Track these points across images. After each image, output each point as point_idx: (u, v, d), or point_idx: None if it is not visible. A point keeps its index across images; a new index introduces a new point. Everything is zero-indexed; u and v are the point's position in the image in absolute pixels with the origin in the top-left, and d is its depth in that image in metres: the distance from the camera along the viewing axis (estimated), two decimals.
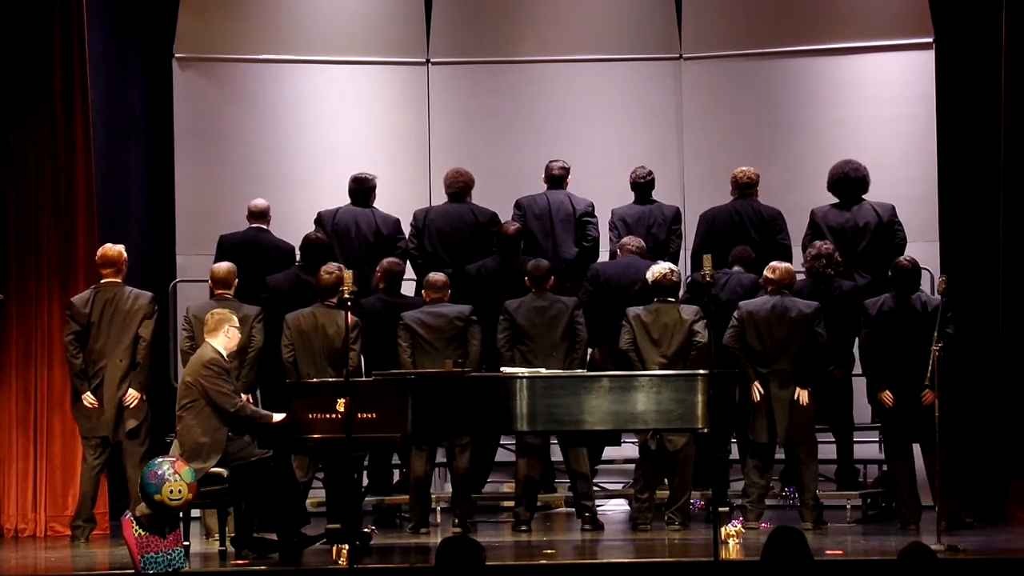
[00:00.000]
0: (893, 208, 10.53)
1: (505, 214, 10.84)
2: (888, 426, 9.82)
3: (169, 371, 10.98)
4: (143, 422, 9.81)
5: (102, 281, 9.89)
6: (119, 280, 9.89)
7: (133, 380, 9.79)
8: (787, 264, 10.01)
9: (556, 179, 10.92)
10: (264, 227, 10.79)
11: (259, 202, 10.85)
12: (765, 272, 9.94)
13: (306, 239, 10.44)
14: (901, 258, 9.94)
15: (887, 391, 9.68)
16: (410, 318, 9.84)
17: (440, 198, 11.27)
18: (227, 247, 10.62)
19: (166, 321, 10.87)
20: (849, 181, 10.54)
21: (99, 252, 9.96)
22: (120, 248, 9.97)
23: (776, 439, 9.70)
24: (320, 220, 10.73)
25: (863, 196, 10.56)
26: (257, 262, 10.46)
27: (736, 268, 10.37)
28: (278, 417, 8.86)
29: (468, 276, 10.37)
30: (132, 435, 9.77)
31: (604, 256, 10.98)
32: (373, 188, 10.86)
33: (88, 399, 9.77)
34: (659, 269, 9.83)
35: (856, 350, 10.20)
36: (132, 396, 9.77)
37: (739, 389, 9.47)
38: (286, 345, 9.76)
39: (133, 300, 9.84)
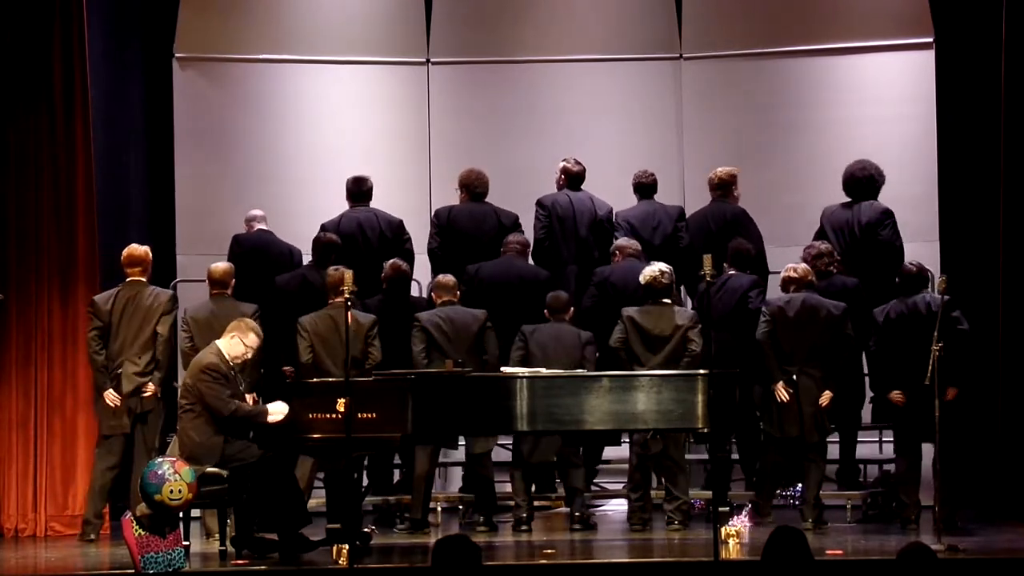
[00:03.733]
0: (885, 209, 10.49)
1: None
2: (899, 427, 9.80)
3: (165, 367, 10.92)
4: (151, 412, 9.79)
5: (127, 280, 9.90)
6: (144, 279, 9.90)
7: (154, 377, 9.80)
8: (805, 264, 9.99)
9: (576, 178, 10.82)
10: (269, 230, 10.86)
11: (256, 211, 10.94)
12: (785, 273, 9.89)
13: (317, 239, 10.44)
14: (907, 263, 9.94)
15: (896, 391, 9.68)
16: (427, 320, 9.80)
17: (440, 198, 11.28)
18: (246, 247, 10.66)
19: None
20: (856, 180, 10.55)
21: (125, 252, 9.96)
22: (146, 248, 9.99)
23: (804, 435, 9.68)
24: (324, 231, 10.68)
25: (874, 196, 10.54)
26: (270, 263, 10.48)
27: (731, 271, 10.30)
28: (274, 415, 8.84)
29: (467, 275, 10.36)
30: (140, 420, 9.75)
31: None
32: (371, 188, 10.86)
33: (110, 396, 9.76)
34: (650, 271, 9.77)
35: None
36: (151, 388, 9.77)
37: (739, 389, 9.45)
38: (306, 348, 9.71)
39: (153, 298, 9.86)
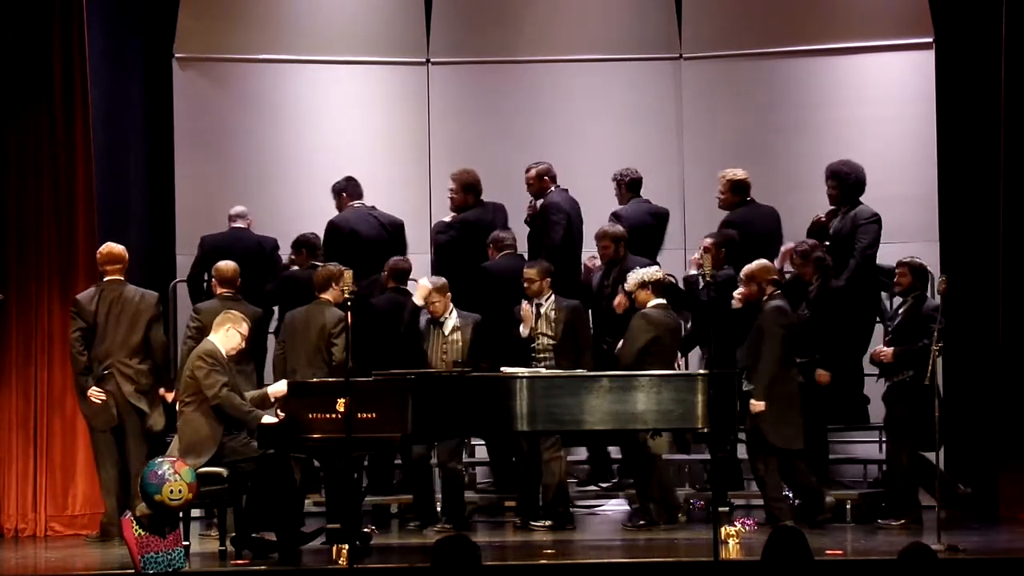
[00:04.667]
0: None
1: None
2: (898, 426, 9.79)
3: (170, 370, 10.95)
4: (149, 413, 9.79)
5: (106, 279, 9.88)
6: (122, 278, 9.88)
7: (165, 381, 9.81)
8: (767, 262, 9.93)
9: (555, 179, 10.88)
10: (244, 227, 10.81)
11: (237, 208, 10.92)
12: (762, 272, 9.76)
13: (322, 239, 10.57)
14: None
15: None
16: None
17: (440, 197, 11.31)
18: (208, 247, 10.62)
19: (166, 321, 10.86)
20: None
21: (104, 250, 9.93)
22: (123, 247, 9.96)
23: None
24: (334, 224, 10.71)
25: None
26: (240, 260, 10.44)
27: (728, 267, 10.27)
28: (268, 419, 8.83)
29: (487, 273, 10.34)
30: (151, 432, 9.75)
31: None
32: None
33: (95, 393, 9.73)
34: (653, 271, 9.75)
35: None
36: (168, 397, 9.78)
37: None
38: (280, 341, 9.82)
39: (140, 300, 9.83)
